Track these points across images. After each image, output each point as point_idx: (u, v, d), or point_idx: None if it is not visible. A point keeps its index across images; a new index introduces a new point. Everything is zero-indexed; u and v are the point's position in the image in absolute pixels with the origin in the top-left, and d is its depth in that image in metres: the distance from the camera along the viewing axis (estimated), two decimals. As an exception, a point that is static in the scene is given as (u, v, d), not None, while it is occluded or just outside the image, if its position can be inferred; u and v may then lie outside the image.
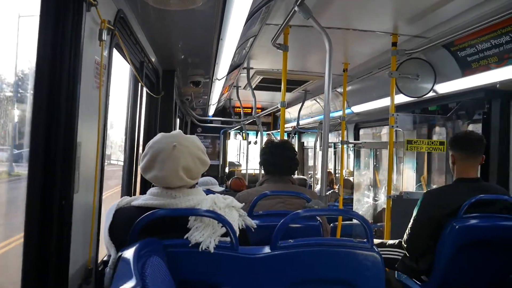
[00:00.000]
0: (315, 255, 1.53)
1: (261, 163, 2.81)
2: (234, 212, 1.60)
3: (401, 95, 3.56)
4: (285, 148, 2.72)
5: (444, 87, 3.52)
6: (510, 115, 3.33)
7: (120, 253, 1.31)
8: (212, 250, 1.43)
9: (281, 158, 2.67)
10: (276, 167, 2.68)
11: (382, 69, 4.02)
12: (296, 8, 2.44)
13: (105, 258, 1.86)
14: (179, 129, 6.56)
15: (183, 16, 2.29)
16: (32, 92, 1.37)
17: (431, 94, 3.58)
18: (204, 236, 1.44)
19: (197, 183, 1.71)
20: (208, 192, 2.01)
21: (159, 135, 1.66)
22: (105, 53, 1.70)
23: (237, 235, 1.51)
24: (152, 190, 1.63)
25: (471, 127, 3.88)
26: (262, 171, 2.93)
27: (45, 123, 1.38)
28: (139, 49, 2.59)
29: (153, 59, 3.13)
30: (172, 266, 1.40)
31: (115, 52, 2.01)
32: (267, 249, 1.52)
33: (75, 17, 1.40)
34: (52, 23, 1.38)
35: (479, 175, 2.74)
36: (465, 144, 2.54)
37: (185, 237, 1.46)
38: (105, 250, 1.63)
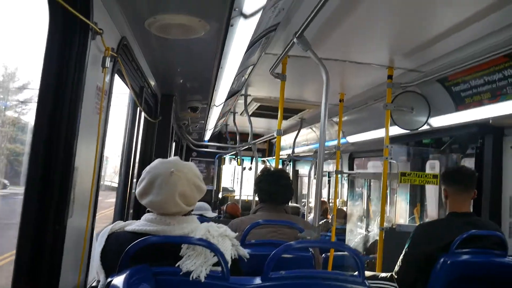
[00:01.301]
0: (306, 287, 1.52)
1: (256, 191, 2.80)
2: (227, 242, 1.60)
3: (396, 127, 3.60)
4: (280, 177, 2.72)
5: (438, 121, 3.57)
6: (502, 150, 3.37)
7: (109, 279, 1.30)
8: (203, 279, 1.42)
9: (277, 187, 2.66)
10: (271, 196, 2.67)
11: (378, 101, 4.07)
12: (295, 40, 2.49)
13: (93, 284, 1.84)
14: (174, 152, 6.57)
15: (185, 44, 2.34)
16: (34, 115, 1.38)
17: (425, 127, 3.63)
18: (196, 264, 1.44)
19: (192, 210, 1.71)
20: (201, 218, 2.01)
21: (157, 161, 1.67)
22: (107, 79, 1.72)
23: (230, 264, 1.50)
24: (147, 216, 1.62)
25: (464, 161, 3.92)
26: (256, 198, 2.92)
27: (45, 146, 1.39)
28: (139, 74, 2.63)
29: (152, 84, 3.17)
30: (162, 294, 1.38)
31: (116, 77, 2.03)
32: (258, 280, 1.51)
33: (81, 45, 1.44)
34: (58, 49, 1.41)
35: (471, 210, 2.75)
36: (457, 178, 2.56)
37: (176, 265, 1.45)
38: (94, 275, 1.62)
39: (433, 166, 4.52)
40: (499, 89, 2.79)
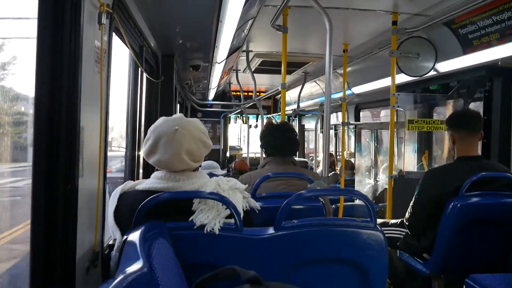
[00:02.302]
0: (319, 235, 1.54)
1: (262, 146, 2.81)
2: (238, 194, 1.61)
3: (402, 75, 3.54)
4: (285, 129, 2.71)
5: (445, 66, 3.50)
6: (511, 92, 3.32)
7: (125, 236, 1.32)
8: (217, 232, 1.44)
9: (282, 140, 2.66)
10: (277, 149, 2.67)
11: (382, 49, 4.00)
12: (295, -12, 2.42)
13: (110, 242, 1.88)
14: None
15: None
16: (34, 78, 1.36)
17: (432, 73, 3.57)
18: (209, 218, 1.45)
19: (200, 166, 1.71)
20: (211, 175, 2.02)
21: (161, 119, 1.65)
22: (105, 37, 1.69)
23: (241, 216, 1.52)
24: (156, 173, 1.63)
25: (472, 106, 3.88)
26: (263, 154, 2.93)
27: (48, 109, 1.38)
28: (138, 33, 2.57)
29: (152, 44, 3.11)
30: (177, 248, 1.41)
31: (114, 37, 1.99)
32: (271, 230, 1.53)
33: (74, 1, 1.39)
34: (51, 7, 1.37)
35: (480, 153, 2.74)
36: (463, 122, 2.54)
37: (190, 219, 1.47)
38: (110, 233, 1.65)
39: (440, 112, 4.48)
40: (508, 29, 2.71)
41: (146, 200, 1.46)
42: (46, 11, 1.37)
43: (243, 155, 8.90)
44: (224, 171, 6.06)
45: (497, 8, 2.68)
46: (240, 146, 11.16)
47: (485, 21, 2.85)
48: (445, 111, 4.42)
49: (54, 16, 1.38)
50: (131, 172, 2.83)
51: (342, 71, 4.47)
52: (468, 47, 3.14)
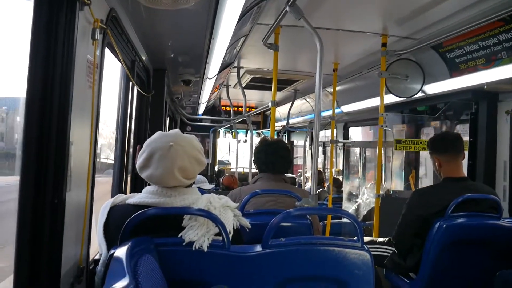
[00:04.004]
0: (306, 253, 1.54)
1: (254, 161, 2.82)
2: (229, 212, 1.61)
3: (390, 95, 3.60)
4: (279, 147, 2.73)
5: (433, 88, 3.56)
6: (497, 116, 3.39)
7: (112, 251, 1.32)
8: (205, 249, 1.44)
9: (275, 157, 2.68)
10: (268, 166, 2.69)
11: (372, 69, 4.06)
12: (287, 9, 2.45)
13: (96, 257, 1.86)
14: (168, 127, 6.56)
15: (175, 16, 2.29)
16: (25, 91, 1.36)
17: (419, 94, 3.63)
18: (198, 235, 1.45)
19: (193, 183, 1.71)
20: (200, 190, 2.02)
21: (157, 134, 1.65)
22: (98, 52, 1.70)
23: (232, 234, 1.52)
24: (148, 188, 1.63)
25: (459, 128, 3.94)
26: (253, 170, 2.94)
27: (38, 122, 1.37)
28: (130, 48, 2.59)
29: (144, 58, 3.12)
30: (164, 265, 1.40)
31: (106, 51, 2.00)
32: (258, 248, 1.53)
33: (68, 16, 1.40)
34: (46, 22, 1.38)
35: (466, 174, 2.78)
36: (445, 146, 2.59)
37: (179, 235, 1.47)
38: (96, 248, 1.63)
39: (428, 133, 4.54)
40: (494, 54, 2.78)
41: (135, 215, 1.46)
42: (40, 25, 1.38)
43: (232, 170, 8.89)
44: (212, 186, 6.04)
45: (483, 34, 2.75)
46: (228, 161, 11.15)
47: (471, 46, 2.92)
48: (432, 132, 4.48)
49: (48, 30, 1.39)
50: (118, 185, 2.82)
51: (331, 90, 4.52)
52: (455, 70, 3.21)
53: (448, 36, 2.89)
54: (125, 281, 1.06)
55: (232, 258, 1.49)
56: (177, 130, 1.68)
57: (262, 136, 8.67)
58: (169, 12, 2.21)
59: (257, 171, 2.85)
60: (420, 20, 2.91)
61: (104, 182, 3.00)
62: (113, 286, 1.05)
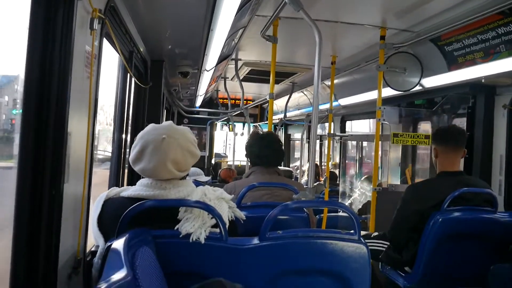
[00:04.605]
0: (303, 246, 1.55)
1: (247, 156, 2.82)
2: (224, 204, 1.61)
3: (388, 88, 3.59)
4: (271, 140, 2.74)
5: (431, 81, 3.56)
6: (494, 109, 3.40)
7: (109, 244, 1.32)
8: (203, 241, 1.44)
9: (267, 150, 2.68)
10: (262, 159, 2.69)
11: (370, 62, 4.05)
12: (286, 0, 2.44)
13: (93, 249, 1.86)
14: (165, 119, 6.54)
15: (174, 6, 2.28)
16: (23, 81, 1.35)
17: (417, 88, 3.63)
18: (195, 227, 1.45)
19: (187, 175, 1.71)
20: (195, 182, 2.02)
21: (150, 126, 1.64)
22: (96, 42, 1.68)
23: (227, 226, 1.52)
24: (142, 181, 1.62)
25: (456, 121, 3.95)
26: (249, 163, 2.94)
27: (36, 113, 1.37)
28: (128, 39, 2.57)
29: (141, 49, 3.11)
30: (161, 257, 1.40)
31: (104, 42, 1.99)
32: (255, 240, 1.54)
33: (67, 5, 1.39)
34: (44, 11, 1.37)
35: (462, 169, 2.79)
36: (447, 137, 2.60)
37: (175, 228, 1.47)
38: (92, 240, 1.63)
39: (425, 127, 4.55)
40: (492, 48, 2.77)
41: (130, 208, 1.45)
42: (38, 15, 1.36)
43: (229, 163, 8.89)
44: (209, 178, 6.04)
45: (482, 28, 2.75)
46: (225, 154, 11.14)
47: (470, 40, 2.91)
48: (429, 126, 4.49)
49: (46, 20, 1.37)
50: (115, 177, 2.81)
51: (329, 83, 4.51)
52: (453, 64, 3.21)
53: (446, 29, 2.89)
54: (123, 272, 1.06)
55: (230, 250, 1.49)
56: (170, 122, 1.67)
57: (253, 129, 8.67)
58: (168, 3, 2.20)
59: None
60: (419, 13, 2.90)
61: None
62: (111, 277, 1.05)
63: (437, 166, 2.65)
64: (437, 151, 2.62)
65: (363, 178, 5.09)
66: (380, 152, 3.92)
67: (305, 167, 7.05)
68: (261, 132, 2.89)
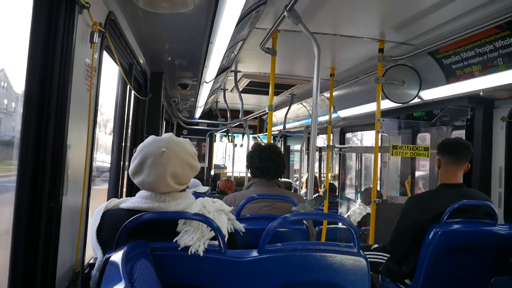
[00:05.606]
0: (302, 258, 1.54)
1: (248, 167, 2.82)
2: (223, 216, 1.61)
3: (387, 100, 3.61)
4: (272, 152, 2.73)
5: (429, 94, 3.58)
6: (492, 122, 3.41)
7: (107, 256, 1.31)
8: (201, 254, 1.43)
9: (268, 162, 2.68)
10: (262, 171, 2.69)
11: (368, 74, 4.07)
12: (285, 13, 2.46)
13: (91, 261, 1.85)
14: (165, 130, 6.55)
15: (174, 19, 2.30)
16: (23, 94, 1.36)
17: (416, 100, 3.64)
18: (194, 239, 1.45)
19: (187, 188, 1.70)
20: (195, 194, 2.01)
21: (150, 138, 1.64)
22: (96, 55, 1.70)
23: (226, 238, 1.52)
24: (141, 193, 1.62)
25: (455, 134, 3.96)
26: (249, 175, 2.93)
27: (36, 125, 1.37)
28: (128, 51, 2.59)
29: (141, 61, 3.12)
30: (160, 269, 1.40)
31: (104, 54, 2.00)
32: (254, 253, 1.53)
33: (67, 19, 1.40)
34: (45, 24, 1.37)
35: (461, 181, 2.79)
36: (452, 149, 2.60)
37: (174, 240, 1.46)
38: (91, 252, 1.62)
39: (423, 139, 4.56)
40: (490, 61, 2.79)
41: (129, 220, 1.45)
42: (39, 28, 1.37)
43: (228, 174, 8.87)
44: (207, 188, 6.03)
45: (479, 41, 2.77)
46: (224, 165, 11.13)
47: (468, 53, 2.93)
48: (428, 137, 4.50)
49: (46, 33, 1.38)
50: (114, 189, 2.81)
51: (328, 95, 4.53)
52: (451, 77, 3.23)
53: (444, 42, 2.91)
54: (120, 286, 1.06)
55: (228, 263, 1.48)
56: (170, 134, 1.66)
57: (255, 141, 8.68)
58: (168, 16, 2.21)
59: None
60: (417, 27, 2.93)
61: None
62: (109, 290, 1.04)
63: (438, 177, 2.65)
64: (440, 162, 2.62)
65: (362, 189, 5.08)
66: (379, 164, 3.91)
67: (304, 178, 7.04)
68: (263, 144, 2.88)
